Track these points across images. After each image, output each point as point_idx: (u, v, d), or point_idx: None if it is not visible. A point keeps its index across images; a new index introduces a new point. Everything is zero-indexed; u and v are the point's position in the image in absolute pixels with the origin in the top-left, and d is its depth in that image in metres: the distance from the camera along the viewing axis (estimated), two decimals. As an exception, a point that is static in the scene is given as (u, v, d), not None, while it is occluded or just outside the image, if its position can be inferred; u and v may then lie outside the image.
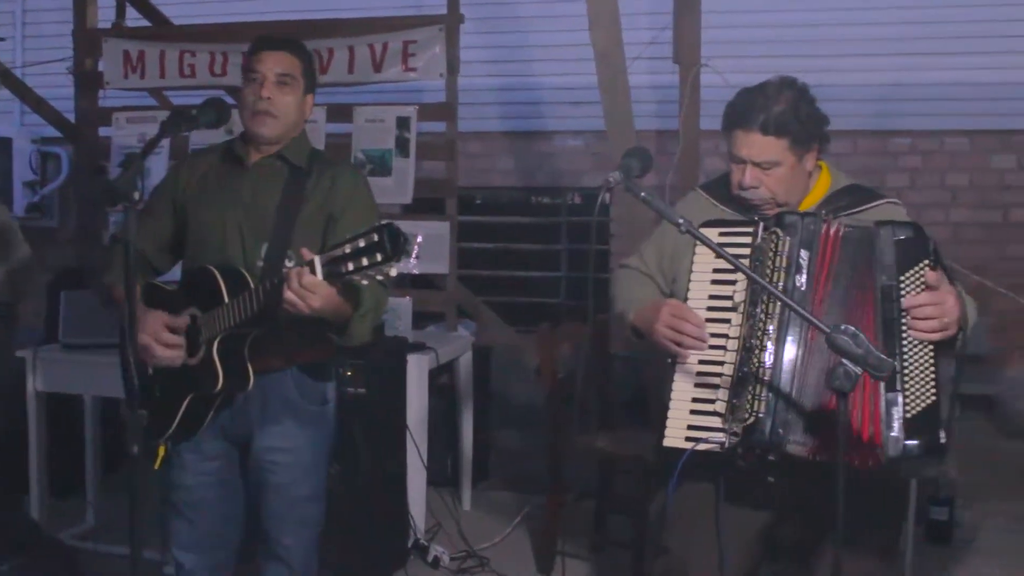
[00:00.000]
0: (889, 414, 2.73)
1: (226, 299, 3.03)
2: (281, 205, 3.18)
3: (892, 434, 2.74)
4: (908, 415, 2.76)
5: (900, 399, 2.75)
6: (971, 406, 7.01)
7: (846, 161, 7.57)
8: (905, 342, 2.80)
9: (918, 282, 2.84)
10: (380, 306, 3.18)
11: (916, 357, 2.79)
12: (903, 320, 2.79)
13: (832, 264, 2.90)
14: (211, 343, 3.06)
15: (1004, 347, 7.39)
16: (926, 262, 2.86)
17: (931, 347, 2.82)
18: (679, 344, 2.98)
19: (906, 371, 2.78)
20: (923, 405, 2.78)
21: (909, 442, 2.75)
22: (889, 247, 2.88)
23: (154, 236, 3.31)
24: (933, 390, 2.79)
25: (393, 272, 2.67)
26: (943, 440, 2.78)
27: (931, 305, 2.78)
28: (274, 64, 3.21)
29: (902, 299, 2.82)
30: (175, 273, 3.40)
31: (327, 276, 2.73)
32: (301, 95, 3.27)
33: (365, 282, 2.72)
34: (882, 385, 2.75)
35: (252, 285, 3.01)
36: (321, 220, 3.19)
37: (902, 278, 2.85)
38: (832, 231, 2.93)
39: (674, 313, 2.98)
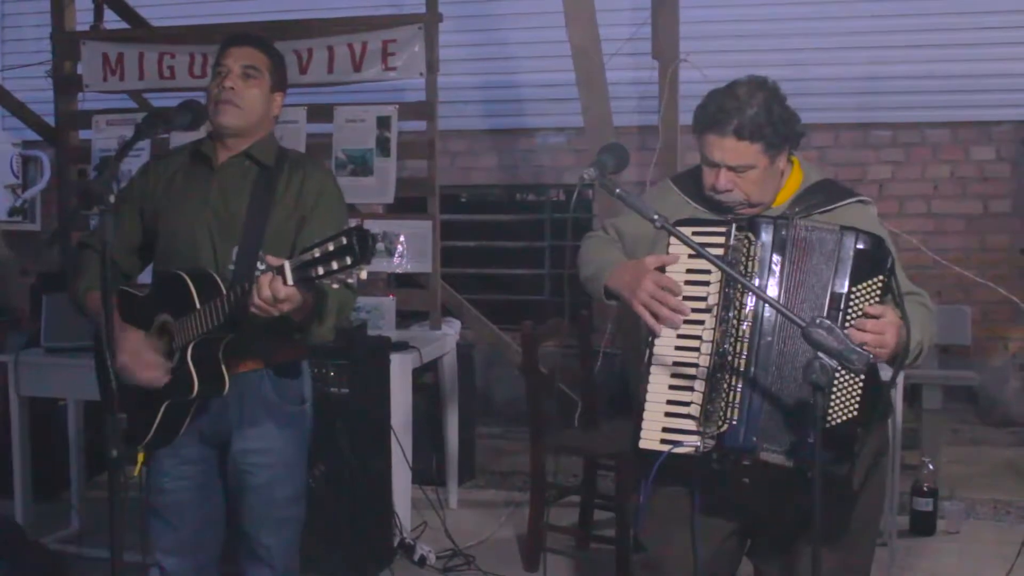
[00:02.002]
0: (825, 405, 2.73)
1: (198, 305, 3.02)
2: (251, 207, 3.17)
3: (809, 440, 2.74)
4: (829, 423, 2.76)
5: (825, 407, 2.74)
6: (954, 396, 7.06)
7: (828, 154, 7.62)
8: None
9: (869, 295, 2.83)
10: (345, 307, 3.18)
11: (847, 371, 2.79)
12: (845, 330, 2.77)
13: (800, 267, 2.90)
14: (185, 349, 3.05)
15: (986, 337, 7.43)
16: (880, 277, 2.85)
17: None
18: (656, 316, 2.92)
19: (835, 382, 2.76)
20: (844, 418, 2.78)
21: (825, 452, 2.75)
22: (849, 254, 2.85)
23: (123, 240, 3.28)
24: (856, 406, 2.79)
25: (363, 275, 2.67)
26: (855, 453, 2.81)
27: (871, 333, 2.74)
28: (240, 57, 3.21)
29: (850, 309, 2.81)
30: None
31: (297, 281, 2.72)
32: (268, 90, 3.25)
33: (335, 286, 2.73)
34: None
35: (223, 290, 3.00)
36: (292, 222, 3.18)
37: (854, 288, 2.83)
38: (801, 234, 2.92)
39: (658, 283, 2.91)
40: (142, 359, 3.09)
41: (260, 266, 2.83)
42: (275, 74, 3.27)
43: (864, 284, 2.84)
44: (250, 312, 2.84)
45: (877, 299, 2.83)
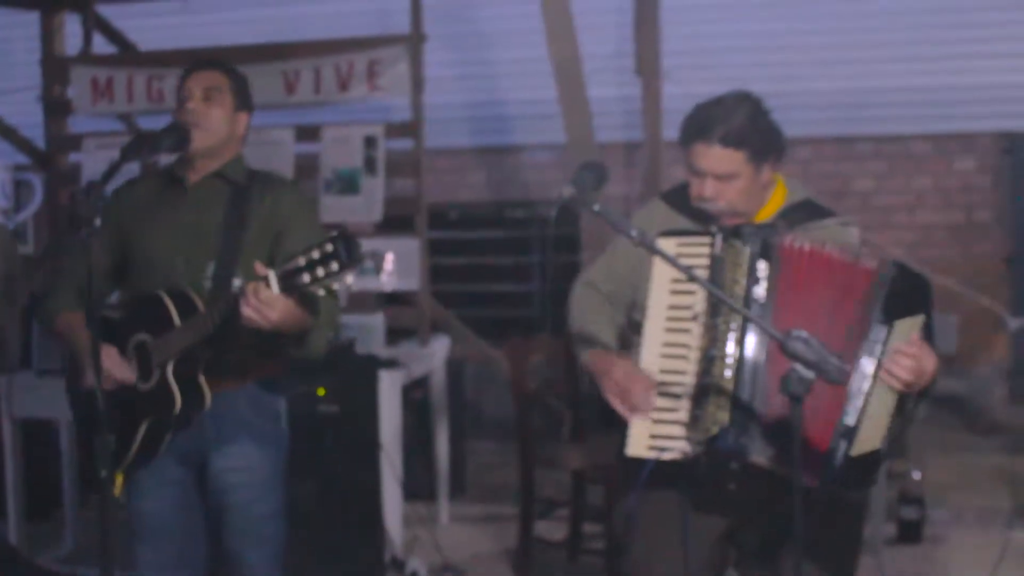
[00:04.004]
0: (837, 445, 2.78)
1: (178, 322, 3.06)
2: (225, 224, 3.21)
3: (835, 464, 2.79)
4: (852, 453, 2.82)
5: (854, 436, 2.81)
6: (940, 405, 7.09)
7: (811, 167, 7.67)
8: (876, 384, 2.83)
9: (912, 332, 2.87)
10: (333, 317, 3.24)
11: (880, 403, 2.84)
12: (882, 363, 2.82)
13: (801, 278, 2.93)
14: (164, 367, 3.09)
15: (971, 345, 7.46)
16: (923, 316, 2.91)
17: (896, 398, 2.88)
18: (627, 406, 3.03)
19: (867, 411, 2.83)
20: (868, 448, 2.85)
21: (843, 478, 2.82)
22: (885, 287, 2.88)
23: (95, 264, 3.32)
24: (882, 437, 2.87)
25: (349, 279, 2.72)
26: (875, 481, 2.92)
27: (914, 359, 2.81)
28: (200, 81, 3.26)
29: (888, 343, 2.84)
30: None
31: (283, 289, 2.77)
32: (231, 110, 3.29)
33: (322, 292, 2.78)
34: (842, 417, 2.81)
35: (200, 306, 3.04)
36: (267, 237, 3.22)
37: (897, 322, 2.86)
38: (791, 243, 2.97)
39: (623, 379, 3.03)
40: (115, 375, 3.13)
41: (236, 282, 2.87)
42: (237, 94, 3.32)
43: (907, 321, 2.87)
44: (241, 324, 2.88)
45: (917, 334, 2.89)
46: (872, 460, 2.87)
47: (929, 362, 2.85)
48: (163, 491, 3.28)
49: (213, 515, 3.32)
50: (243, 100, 3.34)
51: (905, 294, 2.90)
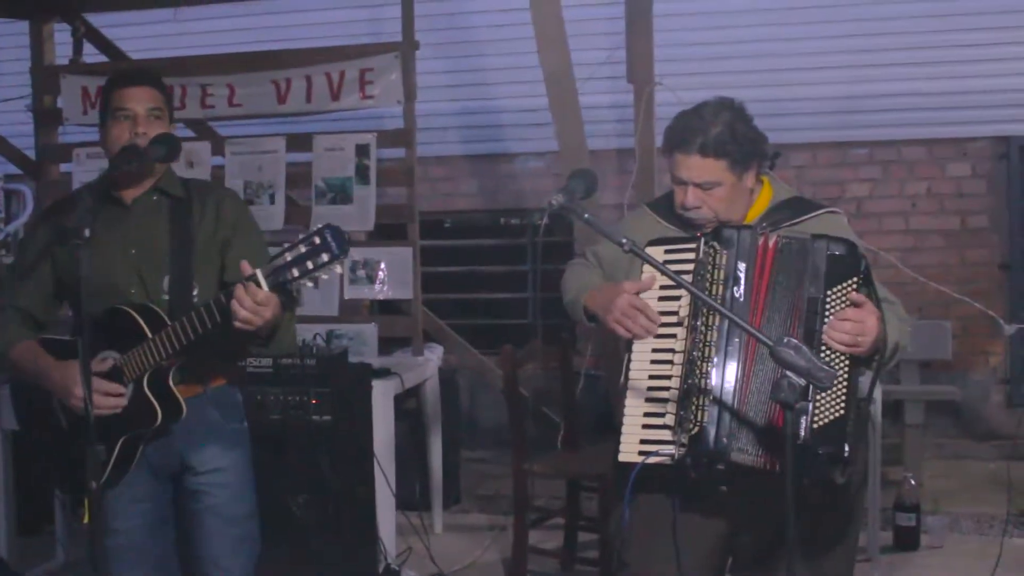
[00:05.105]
0: (797, 422, 2.77)
1: (149, 334, 3.05)
2: (173, 236, 3.23)
3: (798, 442, 2.78)
4: (816, 425, 2.81)
5: (810, 408, 2.79)
6: (936, 411, 7.09)
7: (806, 173, 7.66)
8: (822, 354, 2.86)
9: (844, 298, 2.91)
10: (295, 311, 3.24)
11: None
12: (822, 331, 2.85)
13: (769, 274, 2.96)
14: (140, 380, 3.08)
15: (967, 351, 7.47)
16: (854, 279, 2.93)
17: (846, 362, 2.89)
18: (630, 331, 3.03)
19: None
20: (831, 417, 2.84)
21: (818, 451, 2.79)
22: (822, 260, 2.95)
23: (38, 294, 3.31)
24: (843, 404, 2.85)
25: (339, 269, 2.74)
26: (847, 453, 2.84)
27: (851, 321, 2.85)
28: (142, 99, 3.23)
29: (827, 312, 2.89)
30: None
31: (272, 287, 2.78)
32: (168, 127, 3.29)
33: (310, 284, 2.77)
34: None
35: (166, 319, 3.04)
36: (216, 244, 3.25)
37: (829, 292, 2.92)
38: (770, 243, 2.99)
39: (631, 303, 3.02)
40: (101, 386, 3.07)
41: (194, 291, 2.88)
42: (169, 109, 3.32)
43: (839, 287, 2.93)
44: (235, 326, 2.87)
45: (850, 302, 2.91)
46: (838, 428, 2.84)
47: (871, 320, 2.85)
48: (135, 508, 3.27)
49: (188, 523, 3.32)
50: (171, 113, 3.35)
51: (835, 262, 2.93)
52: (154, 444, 3.19)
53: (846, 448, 2.84)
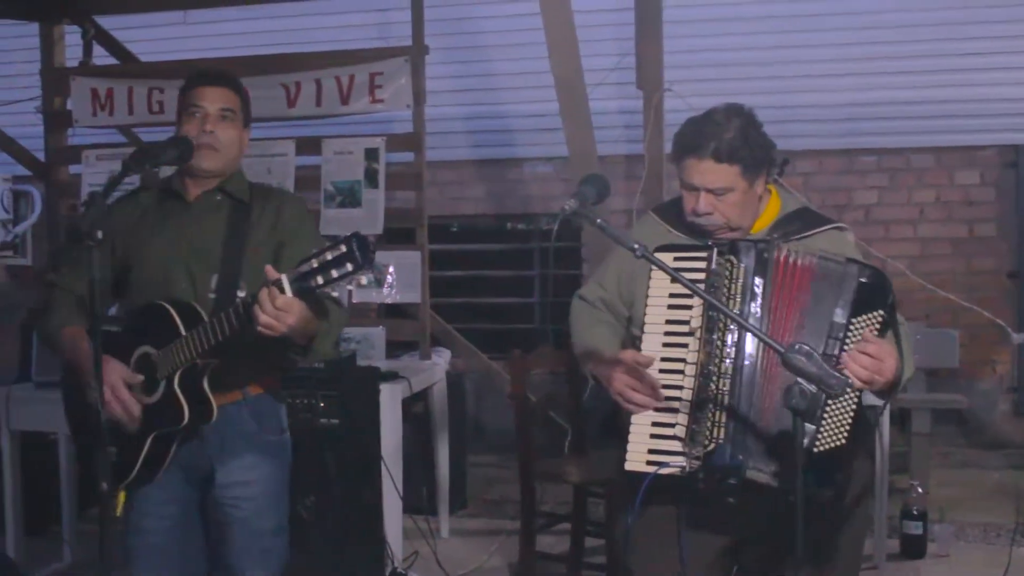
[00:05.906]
0: (803, 431, 2.76)
1: (183, 332, 3.03)
2: (227, 236, 3.20)
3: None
4: (816, 449, 2.81)
5: (815, 433, 2.80)
6: (943, 419, 7.08)
7: (814, 180, 7.67)
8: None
9: (868, 328, 2.88)
10: (340, 322, 3.19)
11: (842, 400, 2.83)
12: (840, 359, 2.82)
13: (791, 291, 2.94)
14: (171, 378, 3.06)
15: (974, 360, 7.46)
16: (881, 312, 2.90)
17: (857, 396, 2.86)
18: (631, 402, 3.03)
19: (827, 409, 2.83)
20: (831, 445, 2.84)
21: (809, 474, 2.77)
22: (851, 286, 2.91)
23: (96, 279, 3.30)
24: (845, 435, 2.84)
25: (364, 280, 2.70)
26: (837, 478, 2.86)
27: (871, 358, 2.79)
28: (216, 99, 3.23)
29: (847, 339, 2.86)
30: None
31: (297, 292, 2.75)
32: (241, 129, 3.30)
33: (336, 293, 2.75)
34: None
35: (205, 317, 3.01)
36: (270, 247, 3.20)
37: (854, 320, 2.88)
38: (785, 257, 2.97)
39: (628, 384, 3.03)
40: (119, 394, 3.07)
41: (240, 293, 2.85)
42: (245, 112, 3.32)
43: (865, 316, 2.90)
44: (253, 332, 2.85)
45: (876, 333, 2.89)
46: (835, 457, 2.84)
47: (889, 360, 2.81)
48: (165, 510, 3.23)
49: (216, 531, 3.28)
50: (248, 116, 3.35)
51: (864, 290, 2.91)
52: (187, 446, 3.15)
53: (837, 477, 2.86)
